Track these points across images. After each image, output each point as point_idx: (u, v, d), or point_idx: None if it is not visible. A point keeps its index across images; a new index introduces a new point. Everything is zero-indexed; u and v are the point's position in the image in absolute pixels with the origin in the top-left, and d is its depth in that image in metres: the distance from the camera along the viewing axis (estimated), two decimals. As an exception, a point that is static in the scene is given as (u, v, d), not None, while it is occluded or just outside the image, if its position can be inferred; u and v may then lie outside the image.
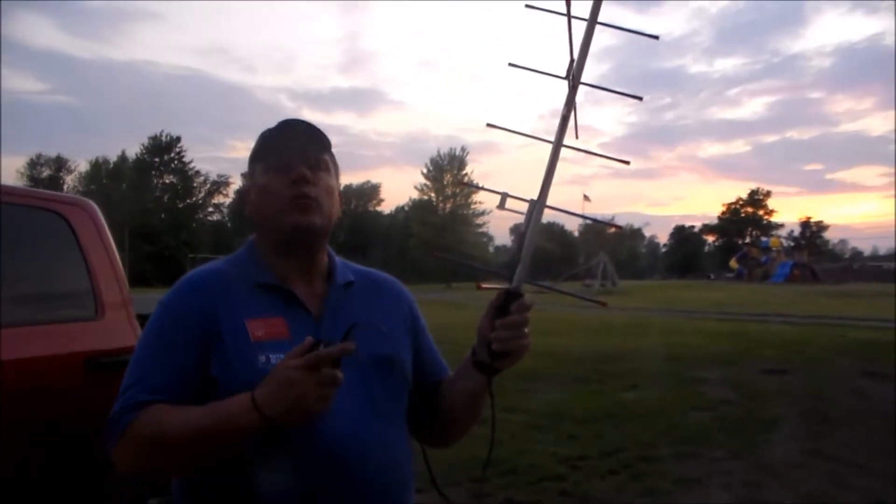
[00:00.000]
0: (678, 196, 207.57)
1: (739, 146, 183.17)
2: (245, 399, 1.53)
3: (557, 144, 1.68)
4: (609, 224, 2.24)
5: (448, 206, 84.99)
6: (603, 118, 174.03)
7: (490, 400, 1.81)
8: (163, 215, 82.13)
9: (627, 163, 1.80)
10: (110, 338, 3.61)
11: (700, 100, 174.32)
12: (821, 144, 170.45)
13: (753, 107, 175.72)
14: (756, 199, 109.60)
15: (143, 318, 3.80)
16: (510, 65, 1.78)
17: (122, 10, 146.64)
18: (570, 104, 1.67)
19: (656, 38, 1.78)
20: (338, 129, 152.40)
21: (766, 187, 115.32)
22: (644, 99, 1.79)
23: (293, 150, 1.80)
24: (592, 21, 1.68)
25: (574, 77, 1.67)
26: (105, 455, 1.70)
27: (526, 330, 1.70)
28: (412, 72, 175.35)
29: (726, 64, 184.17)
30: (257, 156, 1.85)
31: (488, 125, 1.82)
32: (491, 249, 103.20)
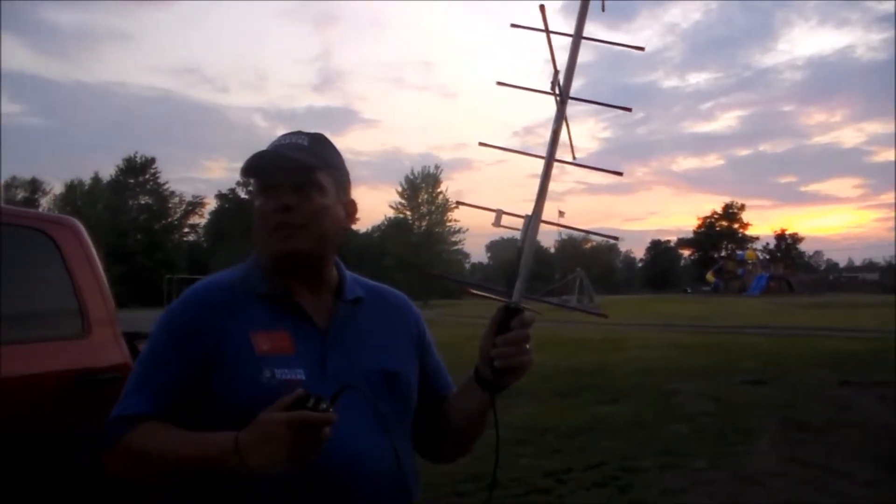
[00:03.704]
0: (653, 210, 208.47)
1: (713, 160, 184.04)
2: (229, 440, 1.53)
3: (549, 159, 1.71)
4: (608, 236, 2.27)
5: (423, 224, 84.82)
6: (577, 133, 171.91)
7: (493, 416, 1.80)
8: (139, 236, 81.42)
9: (620, 174, 1.85)
10: (98, 355, 3.62)
11: (673, 114, 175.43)
12: (794, 157, 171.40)
13: (726, 120, 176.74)
14: (731, 212, 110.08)
15: (126, 336, 3.84)
16: (498, 83, 1.82)
17: (92, 31, 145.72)
18: (560, 119, 1.71)
19: (642, 49, 1.83)
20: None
21: (740, 200, 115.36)
22: (617, 113, 1.82)
23: (280, 172, 1.77)
24: (578, 36, 1.73)
25: (562, 92, 1.71)
26: (96, 469, 1.73)
27: (528, 346, 1.71)
28: (385, 90, 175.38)
29: (699, 78, 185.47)
30: (250, 172, 1.81)
31: (481, 144, 1.85)
32: (467, 266, 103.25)
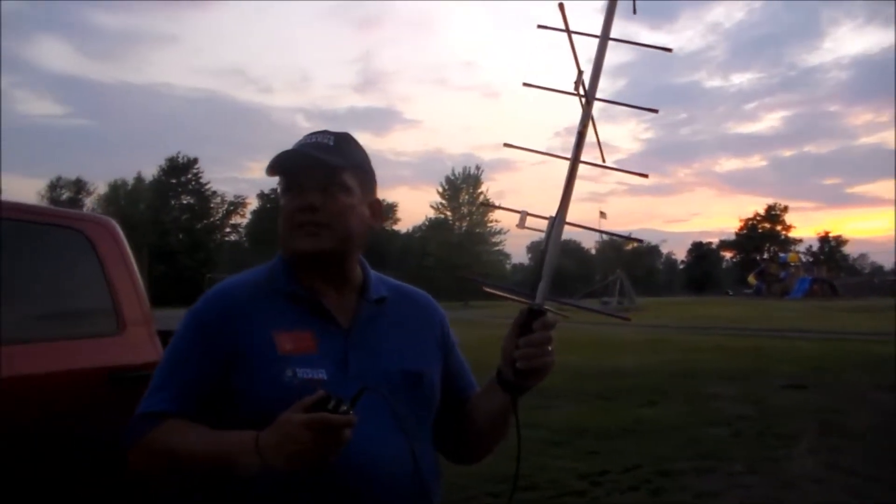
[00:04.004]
0: (695, 212, 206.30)
1: (756, 161, 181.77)
2: (250, 440, 1.55)
3: (574, 161, 1.70)
4: (629, 238, 2.27)
5: (464, 224, 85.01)
6: (618, 135, 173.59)
7: (515, 418, 1.81)
8: (181, 236, 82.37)
9: (646, 176, 1.83)
10: (132, 353, 3.66)
11: (716, 115, 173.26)
12: (839, 158, 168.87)
13: (770, 121, 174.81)
14: (773, 214, 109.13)
15: (162, 334, 3.88)
16: (525, 84, 1.82)
17: (139, 33, 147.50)
18: (586, 120, 1.70)
19: (669, 50, 1.82)
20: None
21: (783, 202, 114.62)
22: (660, 114, 1.81)
23: (305, 171, 1.78)
24: (605, 37, 1.72)
25: (588, 93, 1.71)
26: (122, 466, 1.75)
27: (550, 348, 1.71)
28: (427, 91, 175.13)
29: (742, 78, 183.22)
30: (276, 169, 1.82)
31: (505, 145, 1.85)
32: (508, 267, 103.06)
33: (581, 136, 1.70)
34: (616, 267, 59.31)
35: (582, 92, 1.69)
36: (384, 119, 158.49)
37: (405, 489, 1.71)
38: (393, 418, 1.70)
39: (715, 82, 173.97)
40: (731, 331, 25.43)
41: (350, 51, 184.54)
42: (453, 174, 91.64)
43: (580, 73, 1.67)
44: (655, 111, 1.80)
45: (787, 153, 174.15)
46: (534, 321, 1.70)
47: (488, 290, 1.93)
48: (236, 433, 1.61)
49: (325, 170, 1.78)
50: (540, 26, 1.75)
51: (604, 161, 1.81)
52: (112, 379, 3.50)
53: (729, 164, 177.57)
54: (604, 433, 8.73)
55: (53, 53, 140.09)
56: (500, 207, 1.85)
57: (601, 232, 1.88)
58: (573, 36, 1.72)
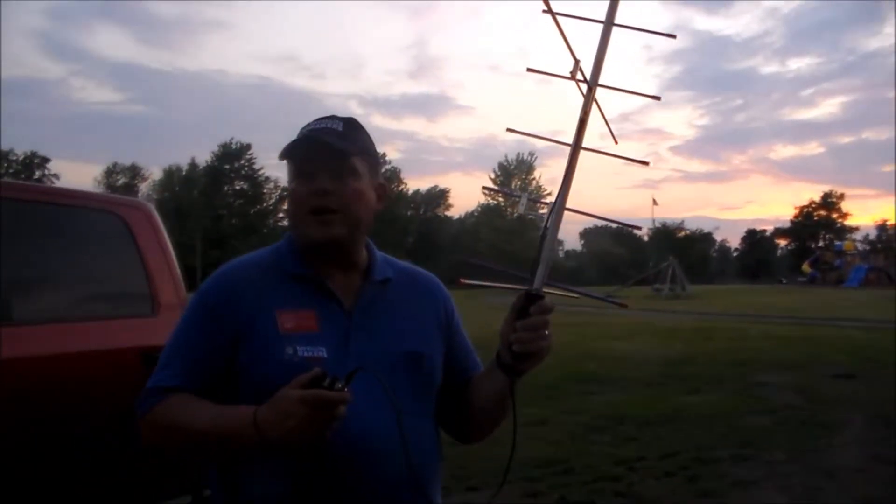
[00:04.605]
0: (749, 199, 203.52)
1: (813, 148, 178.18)
2: (249, 413, 1.60)
3: (576, 147, 1.71)
4: (630, 226, 2.21)
5: (516, 210, 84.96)
6: (673, 121, 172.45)
7: (511, 401, 1.82)
8: (234, 221, 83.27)
9: (647, 164, 1.83)
10: (166, 334, 3.73)
11: (772, 101, 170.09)
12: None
13: (828, 107, 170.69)
14: (829, 201, 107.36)
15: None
16: (528, 69, 1.82)
17: (194, 20, 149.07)
18: (587, 107, 1.70)
19: (673, 37, 1.81)
20: (407, 135, 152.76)
21: (840, 190, 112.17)
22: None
23: (317, 157, 1.81)
24: (609, 23, 1.72)
25: (591, 80, 1.71)
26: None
27: (547, 332, 1.72)
28: (481, 77, 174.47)
29: (800, 64, 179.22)
30: (287, 155, 1.85)
31: (508, 130, 1.86)
32: (561, 254, 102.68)
33: (582, 122, 1.70)
34: (669, 254, 58.76)
35: (581, 78, 1.69)
36: (437, 105, 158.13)
37: (393, 467, 1.73)
38: (385, 398, 1.71)
39: (772, 68, 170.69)
40: (782, 319, 25.12)
41: (403, 37, 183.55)
42: (506, 160, 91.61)
43: (577, 61, 1.67)
44: (658, 98, 1.80)
45: (845, 140, 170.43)
46: (531, 305, 1.70)
47: (472, 280, 1.91)
48: (236, 408, 1.66)
49: (337, 156, 1.81)
50: (545, 11, 1.75)
51: (616, 143, 1.82)
52: (144, 358, 3.57)
53: (785, 150, 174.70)
54: (644, 420, 8.72)
55: (111, 42, 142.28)
56: (500, 191, 1.87)
57: (601, 219, 1.87)
58: (575, 23, 1.73)
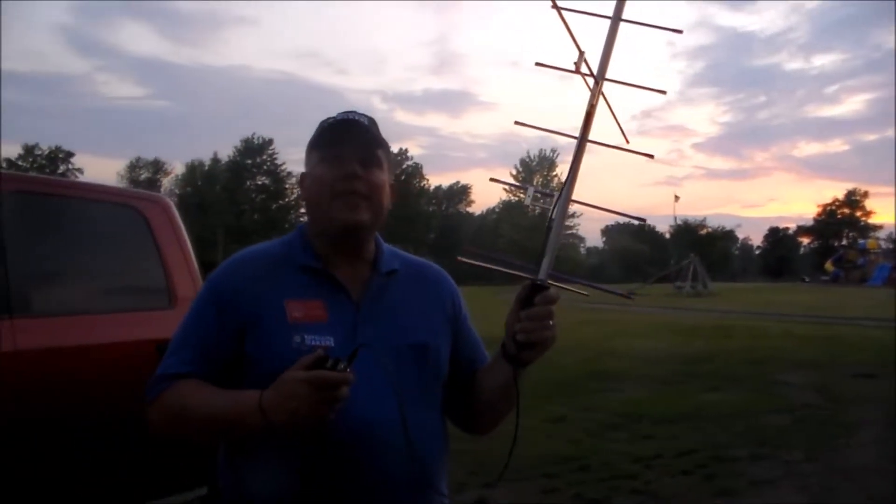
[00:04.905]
0: (772, 197, 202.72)
1: (837, 145, 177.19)
2: (254, 397, 1.63)
3: (582, 140, 1.72)
4: (635, 217, 2.20)
5: (537, 207, 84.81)
6: (695, 118, 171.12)
7: (516, 391, 1.83)
8: (256, 216, 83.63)
9: (651, 156, 1.83)
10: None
11: (796, 98, 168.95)
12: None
13: (853, 104, 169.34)
14: (853, 199, 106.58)
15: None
16: (537, 64, 1.82)
17: (217, 16, 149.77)
18: (593, 100, 1.71)
19: (680, 31, 1.81)
20: (429, 131, 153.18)
21: (865, 188, 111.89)
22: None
23: (348, 144, 1.84)
24: (616, 18, 1.73)
25: (598, 73, 1.71)
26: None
27: (551, 322, 1.73)
28: (502, 73, 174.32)
29: (824, 60, 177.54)
30: (314, 144, 1.90)
31: (516, 123, 1.87)
32: (583, 251, 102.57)
33: (589, 115, 1.72)
34: (690, 252, 58.53)
35: (587, 71, 1.70)
36: (460, 101, 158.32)
37: (396, 454, 1.75)
38: (388, 383, 1.74)
39: (796, 64, 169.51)
40: (804, 318, 24.94)
41: (426, 32, 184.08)
42: (528, 157, 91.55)
43: (581, 53, 1.68)
44: (663, 92, 1.80)
45: (870, 137, 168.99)
46: (536, 296, 1.71)
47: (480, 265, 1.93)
48: (243, 392, 1.69)
49: (368, 144, 1.87)
50: (554, 6, 1.75)
51: (626, 138, 1.82)
52: (159, 350, 3.61)
53: (808, 148, 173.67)
54: (662, 418, 8.69)
55: (136, 37, 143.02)
56: (505, 183, 1.88)
57: (606, 210, 1.87)
58: (588, 18, 1.74)
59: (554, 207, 1.74)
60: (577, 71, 1.69)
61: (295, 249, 1.90)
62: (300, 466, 1.72)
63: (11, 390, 3.30)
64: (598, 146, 1.75)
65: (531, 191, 1.84)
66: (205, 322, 1.84)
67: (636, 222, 1.89)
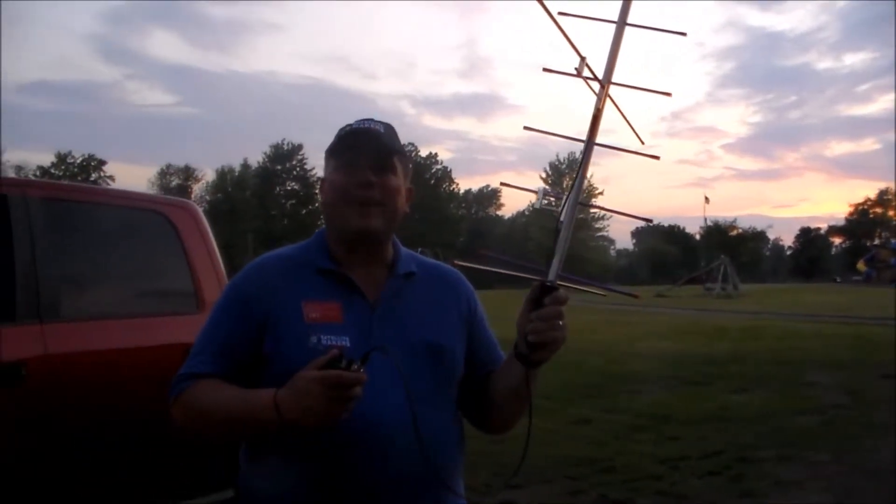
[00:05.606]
0: (803, 197, 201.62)
1: (869, 144, 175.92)
2: (269, 396, 1.68)
3: (589, 143, 1.76)
4: (642, 218, 2.22)
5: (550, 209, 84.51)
6: (725, 118, 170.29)
7: (528, 392, 1.85)
8: (285, 221, 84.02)
9: (657, 158, 1.86)
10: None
11: (827, 97, 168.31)
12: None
13: (884, 103, 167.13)
14: (886, 199, 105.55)
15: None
16: (544, 69, 1.86)
17: (245, 22, 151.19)
18: (600, 104, 1.75)
19: (684, 34, 1.84)
20: (458, 135, 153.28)
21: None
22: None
23: (363, 151, 1.88)
24: (622, 22, 1.76)
25: (604, 77, 1.75)
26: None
27: (561, 322, 1.76)
28: (530, 76, 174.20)
29: (855, 59, 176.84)
30: (331, 152, 1.96)
31: (525, 128, 1.92)
32: (612, 253, 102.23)
33: (595, 119, 1.75)
34: (720, 253, 58.21)
35: (591, 76, 1.73)
36: (488, 104, 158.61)
37: (407, 452, 1.78)
38: (401, 384, 1.77)
39: (826, 63, 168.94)
40: (835, 318, 24.76)
41: (454, 36, 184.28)
42: (557, 160, 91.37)
43: (583, 58, 1.72)
44: (669, 94, 1.83)
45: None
46: (546, 297, 1.75)
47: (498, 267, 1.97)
48: (259, 391, 1.74)
49: (383, 151, 1.91)
50: (560, 13, 1.78)
51: (642, 142, 1.85)
52: (186, 354, 3.68)
53: (839, 147, 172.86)
54: (689, 419, 8.67)
55: (165, 45, 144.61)
56: (516, 187, 1.91)
57: (613, 212, 1.90)
58: (586, 23, 1.77)
59: (562, 210, 1.77)
60: (580, 75, 1.72)
61: (313, 253, 1.96)
62: (313, 465, 1.77)
63: (41, 394, 3.37)
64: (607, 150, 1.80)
65: (541, 193, 1.87)
66: (226, 324, 1.90)
67: (643, 223, 1.92)
